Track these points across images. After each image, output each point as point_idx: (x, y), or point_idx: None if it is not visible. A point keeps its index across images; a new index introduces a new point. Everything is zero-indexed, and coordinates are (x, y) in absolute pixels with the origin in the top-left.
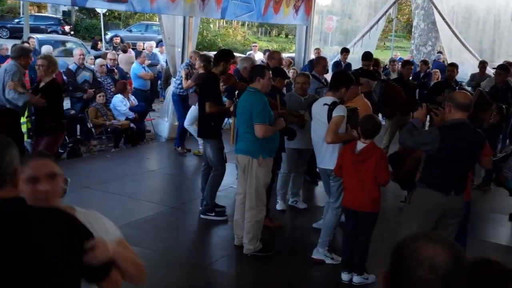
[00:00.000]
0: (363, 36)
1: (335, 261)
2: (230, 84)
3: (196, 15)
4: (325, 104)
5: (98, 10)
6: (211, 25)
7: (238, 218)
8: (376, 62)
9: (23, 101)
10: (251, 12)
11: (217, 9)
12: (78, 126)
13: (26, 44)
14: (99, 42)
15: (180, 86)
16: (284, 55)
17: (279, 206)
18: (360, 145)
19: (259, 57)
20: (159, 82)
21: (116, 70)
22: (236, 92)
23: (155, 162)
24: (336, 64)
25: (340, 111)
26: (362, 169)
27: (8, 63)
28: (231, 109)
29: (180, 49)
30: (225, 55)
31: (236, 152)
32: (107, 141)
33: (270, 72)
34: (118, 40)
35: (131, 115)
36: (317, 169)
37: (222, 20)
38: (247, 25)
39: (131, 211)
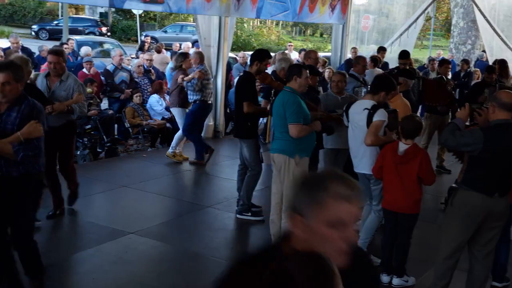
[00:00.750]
0: (401, 34)
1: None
2: (266, 84)
3: (231, 15)
4: (365, 108)
5: (134, 11)
6: (245, 25)
7: (274, 218)
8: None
9: None
10: (286, 12)
11: (252, 9)
12: (116, 126)
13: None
14: (146, 43)
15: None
16: (320, 54)
17: None
18: (403, 146)
19: (294, 56)
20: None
21: (153, 71)
22: (273, 91)
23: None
24: None
25: (381, 116)
26: (405, 170)
27: None
28: (268, 108)
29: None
30: (260, 54)
31: (272, 151)
32: (143, 140)
33: (308, 71)
34: (148, 39)
35: (167, 114)
36: (355, 171)
37: (256, 19)
38: (282, 24)
39: (168, 210)
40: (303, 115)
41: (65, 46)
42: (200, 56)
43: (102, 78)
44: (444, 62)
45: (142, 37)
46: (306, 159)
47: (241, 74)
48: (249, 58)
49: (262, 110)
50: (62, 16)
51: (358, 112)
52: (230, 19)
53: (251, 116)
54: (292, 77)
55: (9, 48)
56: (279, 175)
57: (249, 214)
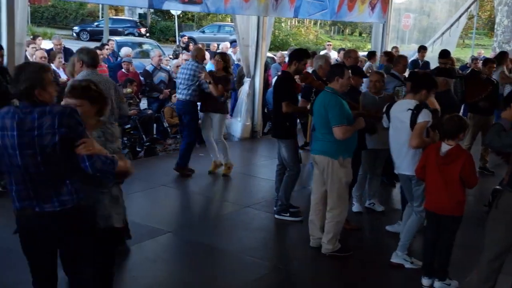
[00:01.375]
0: (443, 33)
1: (415, 266)
2: (307, 83)
3: (269, 14)
4: (409, 109)
5: (173, 12)
6: (283, 24)
7: (314, 219)
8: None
9: None
10: (325, 11)
11: (290, 8)
12: (155, 126)
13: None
14: (190, 44)
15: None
16: (359, 54)
17: (355, 208)
18: (445, 147)
19: (333, 56)
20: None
21: None
22: (313, 90)
23: None
24: (414, 63)
25: (425, 116)
26: (447, 171)
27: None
28: (308, 107)
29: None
30: (298, 54)
31: (314, 152)
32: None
33: (350, 71)
34: (185, 39)
35: None
36: (395, 172)
37: (294, 19)
38: (320, 23)
39: (206, 210)
40: (346, 115)
41: (106, 47)
42: (198, 53)
43: (141, 78)
44: (488, 62)
45: (183, 38)
46: (348, 160)
47: (279, 74)
48: (286, 58)
49: (301, 109)
50: (102, 17)
51: (400, 112)
52: (269, 18)
53: (290, 116)
54: (334, 77)
55: (52, 49)
56: (321, 176)
57: (287, 214)
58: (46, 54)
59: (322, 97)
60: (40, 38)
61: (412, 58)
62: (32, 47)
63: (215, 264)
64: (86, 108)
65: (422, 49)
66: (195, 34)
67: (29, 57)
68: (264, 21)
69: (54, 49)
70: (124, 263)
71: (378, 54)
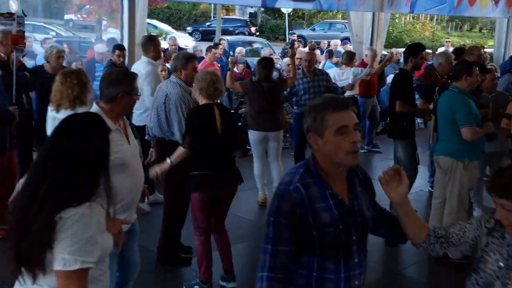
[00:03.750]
0: None
1: None
2: (431, 81)
3: (384, 10)
4: None
5: (284, 10)
6: (397, 21)
7: (435, 223)
8: None
9: None
10: (443, 5)
11: (406, 3)
12: None
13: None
14: (296, 43)
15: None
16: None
17: (476, 213)
18: None
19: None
20: None
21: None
22: (437, 89)
23: None
24: None
25: None
26: None
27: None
28: (431, 107)
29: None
30: (413, 49)
31: (437, 153)
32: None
33: (477, 69)
34: (294, 37)
35: None
36: None
37: (408, 15)
38: (436, 19)
39: None
40: (474, 116)
41: (219, 46)
42: None
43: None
44: None
45: (292, 36)
46: (475, 163)
47: (396, 72)
48: (401, 55)
49: (416, 111)
50: (214, 17)
51: None
52: (384, 15)
53: (407, 115)
54: (461, 75)
55: (167, 49)
56: (444, 178)
57: None
58: (163, 54)
59: (448, 97)
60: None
61: None
62: None
63: None
64: None
65: None
66: (305, 32)
67: None
68: (379, 17)
69: (169, 49)
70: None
71: (502, 51)
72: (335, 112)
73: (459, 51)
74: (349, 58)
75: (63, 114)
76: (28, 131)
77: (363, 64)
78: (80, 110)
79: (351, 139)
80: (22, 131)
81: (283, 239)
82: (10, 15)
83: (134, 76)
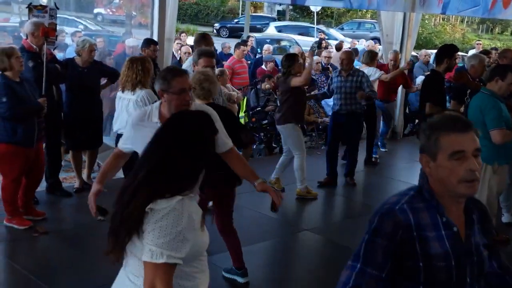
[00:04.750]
0: None
1: None
2: (462, 83)
3: (416, 11)
4: None
5: (312, 8)
6: (427, 21)
7: None
8: None
9: None
10: (476, 7)
11: (438, 4)
12: None
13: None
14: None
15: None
16: None
17: (505, 218)
18: None
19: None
20: None
21: (330, 68)
22: (468, 92)
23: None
24: None
25: None
26: None
27: None
28: (462, 110)
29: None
30: (448, 50)
31: None
32: (317, 138)
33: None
34: (322, 36)
35: None
36: None
37: (438, 16)
38: (467, 21)
39: (341, 210)
40: (504, 119)
41: (248, 43)
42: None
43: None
44: None
45: (320, 34)
46: (505, 167)
47: (428, 73)
48: (431, 57)
49: None
50: (242, 14)
51: None
52: (415, 15)
53: None
54: (493, 78)
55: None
56: None
57: None
58: (190, 50)
59: (478, 99)
60: (184, 34)
61: None
62: (177, 43)
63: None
64: None
65: None
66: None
67: (174, 52)
68: (410, 17)
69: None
70: (259, 256)
71: None
72: (452, 133)
73: (484, 54)
74: (369, 58)
75: (126, 94)
76: (57, 123)
77: (384, 67)
78: (139, 92)
79: (467, 166)
80: (51, 123)
81: (375, 262)
82: (42, 8)
83: None
